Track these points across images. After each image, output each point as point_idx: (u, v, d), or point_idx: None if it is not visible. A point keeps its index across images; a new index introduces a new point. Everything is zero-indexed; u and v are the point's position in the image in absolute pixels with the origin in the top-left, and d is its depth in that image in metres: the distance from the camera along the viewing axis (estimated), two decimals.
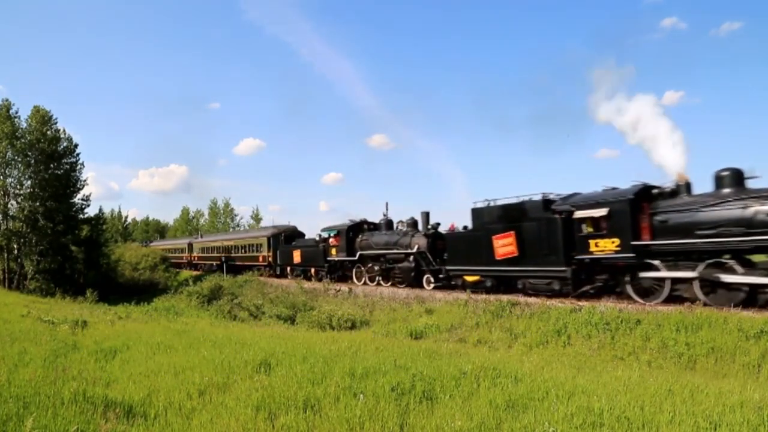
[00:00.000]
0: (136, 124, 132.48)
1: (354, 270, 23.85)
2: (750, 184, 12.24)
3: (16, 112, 31.57)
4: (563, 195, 15.39)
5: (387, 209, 24.26)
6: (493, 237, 16.26)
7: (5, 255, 31.41)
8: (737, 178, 12.24)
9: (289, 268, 30.24)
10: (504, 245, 15.99)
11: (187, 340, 9.85)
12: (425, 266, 19.89)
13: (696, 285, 12.44)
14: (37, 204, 31.33)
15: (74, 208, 34.19)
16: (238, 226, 65.68)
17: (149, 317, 18.05)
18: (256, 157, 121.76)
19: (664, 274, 13.05)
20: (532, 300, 15.79)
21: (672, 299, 13.07)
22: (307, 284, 26.79)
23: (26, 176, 31.85)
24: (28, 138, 31.36)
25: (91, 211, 36.51)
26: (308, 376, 6.23)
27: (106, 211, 65.68)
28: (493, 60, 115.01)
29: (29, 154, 31.25)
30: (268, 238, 32.95)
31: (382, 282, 22.07)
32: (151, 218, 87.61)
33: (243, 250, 37.14)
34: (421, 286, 20.22)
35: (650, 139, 14.46)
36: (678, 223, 12.55)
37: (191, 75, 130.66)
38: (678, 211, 12.66)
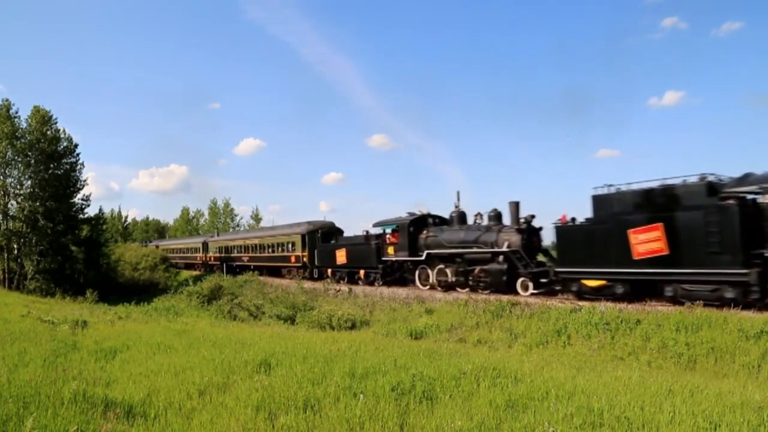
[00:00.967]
0: (137, 124, 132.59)
1: (417, 272, 20.63)
2: None
3: (16, 112, 31.63)
4: (726, 177, 12.54)
5: (459, 199, 20.59)
6: (629, 231, 13.22)
7: (5, 255, 31.42)
8: None
9: (329, 271, 26.42)
10: (646, 241, 12.93)
11: (187, 340, 9.85)
12: (521, 268, 16.48)
13: None
14: (37, 204, 31.34)
15: (74, 208, 34.20)
16: (238, 226, 65.64)
17: (149, 317, 18.05)
18: (257, 157, 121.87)
19: None
20: (532, 300, 15.79)
21: None
22: (307, 284, 26.78)
23: (26, 176, 31.87)
24: (28, 138, 31.37)
25: (91, 211, 36.59)
26: (308, 376, 6.23)
27: (106, 211, 65.66)
28: (493, 60, 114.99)
29: (29, 154, 31.26)
30: (303, 236, 29.26)
31: (457, 287, 18.73)
32: (151, 218, 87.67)
33: (270, 250, 33.52)
34: (514, 292, 16.68)
35: None
36: None
37: (191, 75, 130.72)
38: None
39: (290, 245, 30.89)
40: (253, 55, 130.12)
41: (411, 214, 21.46)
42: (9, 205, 31.67)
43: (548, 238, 17.91)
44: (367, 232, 24.17)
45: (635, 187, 13.52)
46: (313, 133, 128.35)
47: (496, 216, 18.51)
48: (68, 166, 33.69)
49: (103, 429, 4.44)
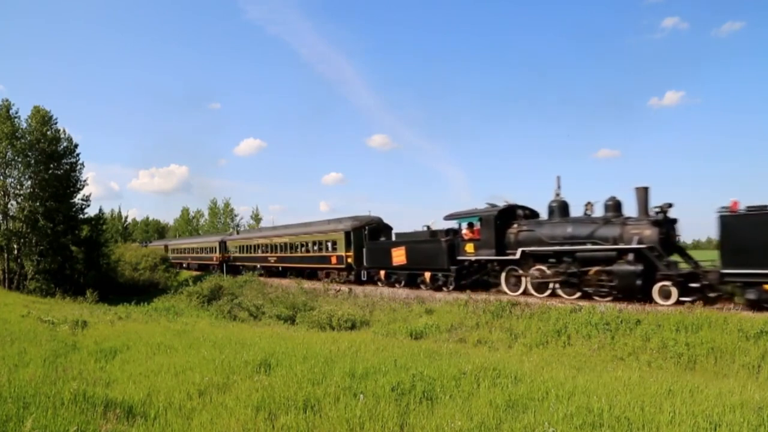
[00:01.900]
0: (137, 124, 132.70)
1: (504, 274, 17.37)
2: None
3: (16, 112, 31.59)
4: None
5: (559, 186, 16.97)
6: None
7: (5, 255, 31.39)
8: None
9: (382, 273, 22.67)
10: None
11: (187, 341, 9.85)
12: (662, 269, 13.31)
13: None
14: (37, 204, 31.31)
15: (74, 208, 34.16)
16: (237, 226, 65.62)
17: (149, 317, 18.04)
18: (257, 157, 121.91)
19: None
20: (532, 300, 15.79)
21: None
22: (307, 284, 26.78)
23: (26, 176, 31.83)
24: (28, 138, 31.34)
25: (91, 211, 36.56)
26: (308, 376, 6.23)
27: (106, 211, 65.64)
28: (493, 59, 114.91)
29: (29, 154, 31.23)
30: (347, 233, 25.55)
31: (560, 292, 15.61)
32: (151, 218, 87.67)
33: (303, 249, 29.72)
34: (650, 300, 13.50)
35: None
36: None
37: (191, 75, 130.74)
38: None
39: (330, 244, 27.02)
40: (253, 55, 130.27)
41: (491, 205, 18.17)
42: (9, 205, 31.64)
43: None
44: (428, 227, 20.91)
45: None
46: (314, 133, 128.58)
47: (615, 206, 15.24)
48: (68, 166, 33.66)
49: (103, 429, 4.44)
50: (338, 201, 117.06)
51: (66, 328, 12.03)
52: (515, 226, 17.29)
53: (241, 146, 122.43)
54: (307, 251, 29.19)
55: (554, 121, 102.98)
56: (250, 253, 36.52)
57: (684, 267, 14.01)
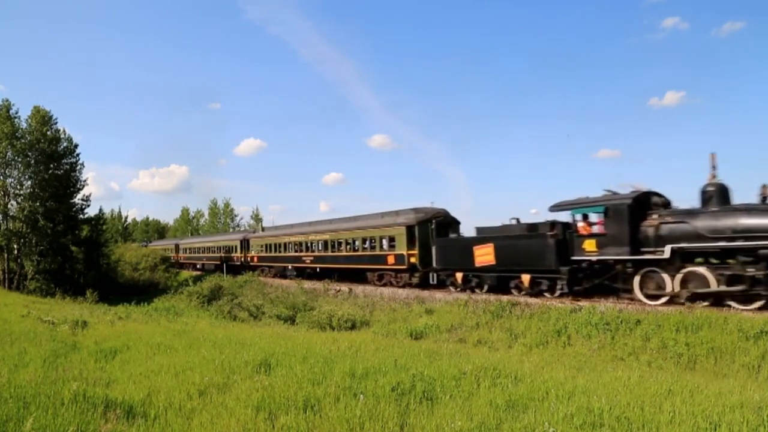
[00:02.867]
0: (137, 125, 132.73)
1: (637, 278, 13.94)
2: None
3: (16, 113, 31.64)
4: None
5: (715, 166, 13.64)
6: None
7: (5, 255, 31.41)
8: None
9: (459, 276, 18.79)
10: None
11: (187, 341, 9.85)
12: None
13: None
14: (37, 204, 31.34)
15: (74, 209, 34.21)
16: (238, 226, 65.58)
17: (149, 317, 18.05)
18: (257, 157, 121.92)
19: None
20: (532, 300, 15.79)
21: None
22: (307, 284, 26.78)
23: (26, 176, 31.87)
24: (28, 138, 31.38)
25: (91, 212, 36.61)
26: (308, 377, 6.23)
27: (106, 211, 65.58)
28: (494, 59, 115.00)
29: (29, 154, 31.27)
30: (410, 228, 21.56)
31: (731, 301, 12.25)
32: (151, 218, 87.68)
33: (349, 247, 25.77)
34: None
35: None
36: None
37: (192, 75, 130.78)
38: None
39: (386, 241, 22.94)
40: (253, 55, 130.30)
41: (612, 192, 14.91)
42: (9, 206, 31.66)
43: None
44: (517, 219, 17.69)
45: None
46: (314, 133, 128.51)
47: None
48: (68, 167, 33.70)
49: (103, 429, 4.44)
50: (338, 201, 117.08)
51: (66, 328, 12.04)
52: (654, 217, 13.83)
53: (241, 146, 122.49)
54: (355, 250, 25.09)
55: (554, 120, 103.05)
56: (279, 252, 32.39)
57: None
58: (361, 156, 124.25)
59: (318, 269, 28.66)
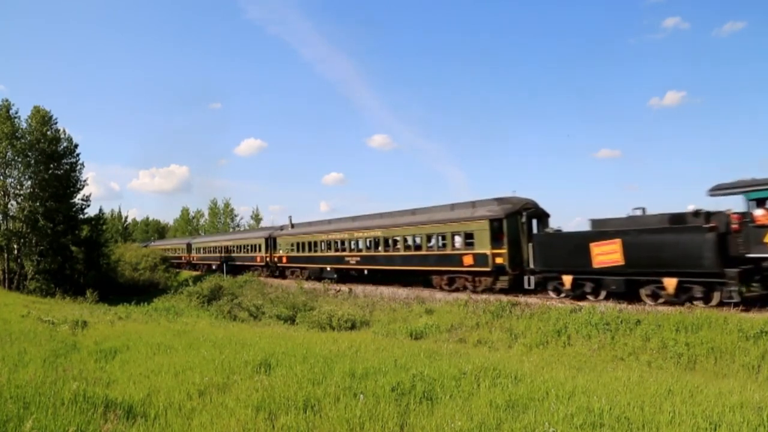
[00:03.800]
0: (137, 125, 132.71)
1: None
2: None
3: (16, 113, 31.66)
4: None
5: None
6: None
7: (5, 255, 31.42)
8: None
9: (567, 279, 15.50)
10: None
11: (187, 341, 9.85)
12: None
13: None
14: (37, 204, 31.35)
15: (74, 209, 34.23)
16: (238, 226, 65.54)
17: (149, 317, 18.05)
18: (258, 157, 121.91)
19: None
20: (532, 300, 15.79)
21: None
22: (307, 284, 26.77)
23: (26, 176, 31.90)
24: (28, 138, 31.40)
25: (91, 212, 36.63)
26: (308, 377, 6.23)
27: (107, 211, 65.54)
28: (494, 59, 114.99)
29: (29, 154, 31.29)
30: (494, 221, 17.87)
31: None
32: (151, 218, 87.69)
33: (410, 246, 22.23)
34: None
35: None
36: None
37: (192, 75, 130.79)
38: None
39: (460, 238, 19.41)
40: (253, 55, 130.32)
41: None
42: (9, 206, 31.67)
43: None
44: (643, 210, 14.68)
45: None
46: (314, 133, 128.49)
47: None
48: (68, 167, 33.73)
49: (103, 429, 4.43)
50: (338, 201, 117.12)
51: (66, 328, 12.04)
52: None
53: (241, 146, 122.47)
54: (416, 248, 21.64)
55: (554, 120, 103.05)
56: (315, 251, 28.64)
57: None
58: (361, 156, 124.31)
59: (366, 271, 25.05)
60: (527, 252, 16.89)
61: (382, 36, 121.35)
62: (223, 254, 42.08)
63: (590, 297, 15.14)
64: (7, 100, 31.39)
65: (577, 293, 15.38)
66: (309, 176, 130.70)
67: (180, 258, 51.61)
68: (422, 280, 22.23)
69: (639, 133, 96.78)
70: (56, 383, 5.83)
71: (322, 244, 28.19)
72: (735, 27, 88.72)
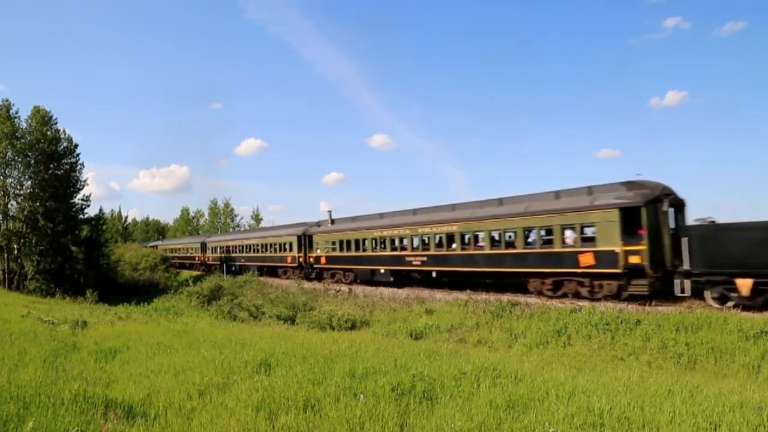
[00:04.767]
0: (137, 125, 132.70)
1: None
2: None
3: (16, 113, 31.65)
4: None
5: None
6: None
7: (5, 255, 31.42)
8: None
9: (744, 284, 12.43)
10: None
11: (187, 341, 9.85)
12: None
13: None
14: (37, 204, 31.35)
15: (74, 209, 34.23)
16: (238, 226, 65.50)
17: (149, 317, 18.05)
18: (258, 157, 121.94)
19: None
20: (532, 300, 15.79)
21: None
22: (307, 284, 26.77)
23: (26, 176, 31.89)
24: (28, 138, 31.39)
25: (91, 212, 36.62)
26: (308, 377, 6.23)
27: (106, 211, 65.51)
28: (494, 59, 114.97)
29: (29, 154, 31.29)
30: (626, 211, 14.50)
31: None
32: (151, 218, 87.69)
33: (497, 242, 18.53)
34: None
35: None
36: None
37: (192, 75, 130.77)
38: None
39: (572, 232, 15.93)
40: (253, 55, 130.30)
41: None
42: (9, 206, 31.67)
43: None
44: None
45: None
46: (314, 133, 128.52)
47: None
48: (68, 167, 33.72)
49: (103, 429, 4.44)
50: (338, 201, 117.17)
51: (66, 328, 12.04)
52: None
53: (242, 146, 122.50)
54: (510, 245, 17.91)
55: (554, 120, 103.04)
56: (363, 250, 25.13)
57: None
58: (361, 156, 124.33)
59: (434, 273, 21.49)
60: (669, 249, 13.96)
61: (382, 36, 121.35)
62: (243, 254, 38.24)
63: None
64: (7, 100, 31.43)
65: (759, 302, 12.22)
66: (309, 176, 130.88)
67: (193, 258, 48.97)
68: (509, 284, 19.25)
69: (639, 133, 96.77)
70: (56, 383, 5.83)
71: (374, 241, 24.54)
72: (736, 27, 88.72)
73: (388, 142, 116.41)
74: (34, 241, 31.92)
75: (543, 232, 16.76)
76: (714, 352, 10.18)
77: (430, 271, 21.53)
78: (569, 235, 16.07)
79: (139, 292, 35.46)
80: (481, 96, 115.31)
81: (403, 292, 20.79)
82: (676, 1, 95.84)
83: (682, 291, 13.37)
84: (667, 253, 14.18)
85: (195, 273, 45.23)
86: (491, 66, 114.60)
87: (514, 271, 17.87)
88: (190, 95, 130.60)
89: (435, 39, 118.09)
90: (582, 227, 15.70)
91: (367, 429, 4.56)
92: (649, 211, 14.21)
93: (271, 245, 34.34)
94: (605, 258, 14.81)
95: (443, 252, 20.56)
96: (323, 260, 28.42)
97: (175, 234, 75.89)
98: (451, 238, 20.25)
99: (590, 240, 15.44)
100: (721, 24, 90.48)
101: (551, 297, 16.31)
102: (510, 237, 18.09)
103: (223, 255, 42.07)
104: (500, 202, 19.50)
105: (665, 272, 14.12)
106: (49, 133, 32.32)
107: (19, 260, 31.95)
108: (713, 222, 13.48)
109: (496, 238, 18.62)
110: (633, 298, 14.29)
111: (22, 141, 31.07)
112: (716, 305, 12.98)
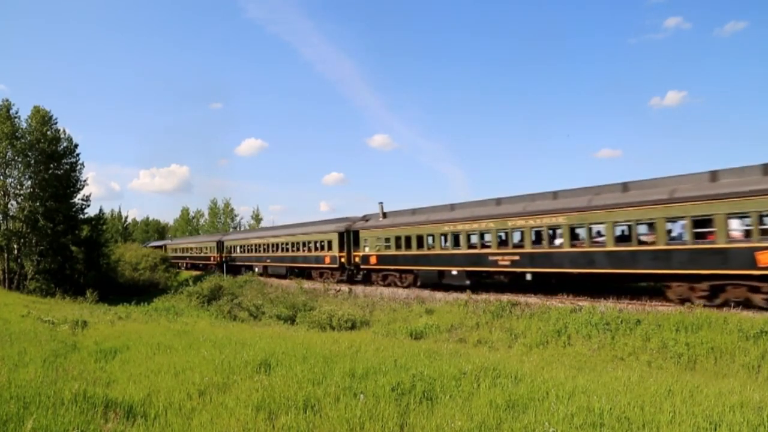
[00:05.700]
0: (137, 125, 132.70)
1: None
2: None
3: (17, 113, 31.66)
4: None
5: None
6: None
7: (5, 255, 31.41)
8: None
9: None
10: None
11: (187, 341, 9.85)
12: None
13: None
14: (37, 204, 31.35)
15: (74, 209, 34.24)
16: (238, 225, 65.44)
17: (149, 317, 18.05)
18: (258, 157, 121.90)
19: None
20: (532, 300, 15.77)
21: None
22: (307, 284, 26.76)
23: (26, 176, 31.90)
24: (28, 138, 31.40)
25: (91, 212, 36.63)
26: (308, 376, 6.23)
27: (106, 211, 65.48)
28: (494, 59, 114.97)
29: (29, 154, 31.29)
30: None
31: None
32: (151, 218, 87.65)
33: (626, 237, 15.00)
34: None
35: None
36: None
37: (192, 75, 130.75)
38: None
39: (739, 221, 12.79)
40: (253, 54, 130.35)
41: None
42: (9, 205, 31.67)
43: None
44: None
45: None
46: (314, 133, 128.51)
47: None
48: (68, 166, 33.73)
49: (103, 429, 4.43)
50: (338, 201, 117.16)
51: (66, 328, 12.03)
52: None
53: (242, 146, 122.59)
54: (642, 242, 14.57)
55: (555, 119, 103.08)
56: (430, 248, 21.25)
57: None
58: (361, 156, 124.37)
59: (528, 275, 17.57)
60: None
61: (382, 36, 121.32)
62: (270, 253, 34.14)
63: None
64: (7, 100, 31.43)
65: None
66: (309, 176, 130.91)
67: (208, 259, 45.22)
68: (633, 288, 16.07)
69: (640, 133, 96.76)
70: (56, 383, 5.83)
71: (443, 237, 20.86)
72: (736, 27, 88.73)
73: (388, 141, 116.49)
74: (34, 241, 31.92)
75: (695, 224, 13.18)
76: (714, 352, 10.18)
77: (524, 273, 17.63)
78: (736, 225, 12.69)
79: (139, 292, 35.45)
80: (481, 96, 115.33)
81: (403, 292, 20.78)
82: (677, 1, 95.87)
83: None
84: None
85: (196, 273, 45.14)
86: (491, 66, 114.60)
87: (649, 272, 14.30)
88: (190, 95, 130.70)
89: (435, 39, 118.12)
90: (761, 216, 12.16)
91: (367, 429, 4.55)
92: None
93: (304, 244, 29.98)
94: None
95: (544, 250, 16.78)
96: (373, 260, 24.34)
97: (175, 234, 75.79)
98: (553, 232, 16.87)
99: None
100: (722, 24, 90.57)
101: (706, 306, 12.82)
102: (641, 231, 14.70)
103: (247, 255, 38.18)
104: (625, 187, 15.74)
105: None
106: (49, 133, 32.32)
107: (19, 260, 31.95)
108: None
109: (619, 232, 15.16)
110: None
111: (22, 141, 31.07)
112: None
